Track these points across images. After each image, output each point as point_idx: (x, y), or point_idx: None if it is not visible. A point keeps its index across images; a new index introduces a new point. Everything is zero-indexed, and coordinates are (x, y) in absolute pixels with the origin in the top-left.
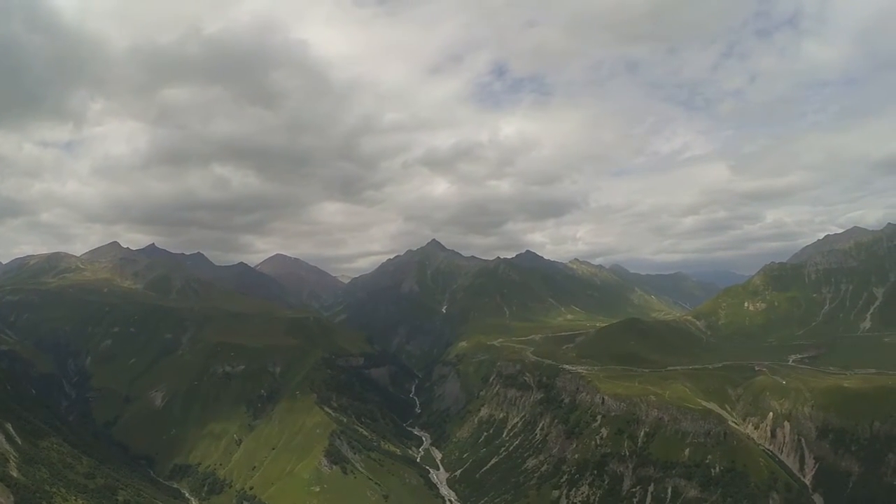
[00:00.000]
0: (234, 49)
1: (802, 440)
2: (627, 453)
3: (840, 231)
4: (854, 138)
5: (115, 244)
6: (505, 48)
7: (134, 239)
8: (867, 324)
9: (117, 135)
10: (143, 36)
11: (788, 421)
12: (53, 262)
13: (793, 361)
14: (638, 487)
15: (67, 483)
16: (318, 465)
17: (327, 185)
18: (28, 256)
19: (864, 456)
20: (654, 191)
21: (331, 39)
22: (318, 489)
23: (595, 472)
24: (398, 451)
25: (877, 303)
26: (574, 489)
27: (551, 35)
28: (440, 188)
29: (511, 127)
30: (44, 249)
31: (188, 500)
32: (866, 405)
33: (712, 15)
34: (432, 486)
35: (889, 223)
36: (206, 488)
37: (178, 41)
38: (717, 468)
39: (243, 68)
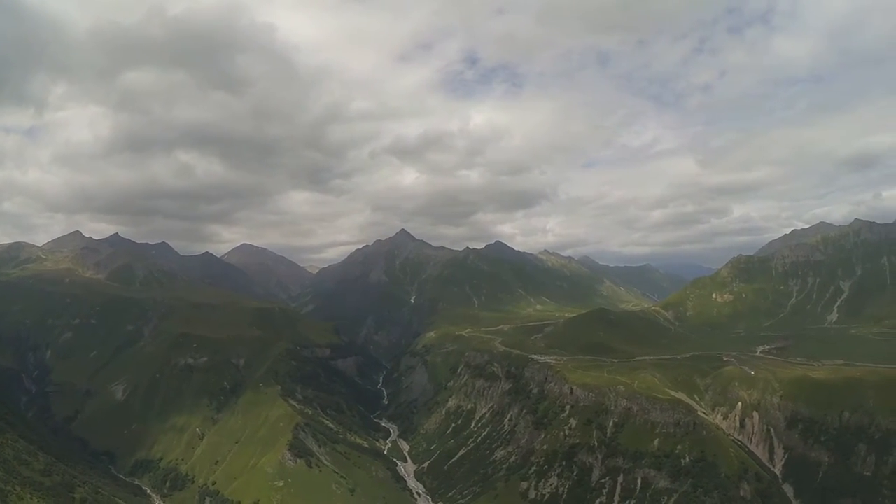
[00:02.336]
0: (198, 31)
1: (772, 430)
2: (596, 444)
3: (805, 226)
4: (822, 134)
5: (77, 233)
6: (474, 36)
7: (97, 228)
8: (834, 316)
9: (79, 120)
10: (105, 17)
11: (757, 411)
12: (14, 253)
13: (761, 352)
14: (607, 478)
15: (22, 481)
16: (282, 459)
17: (294, 174)
18: None
19: (834, 446)
20: (623, 183)
21: (298, 24)
22: (281, 483)
23: (564, 463)
24: (365, 444)
25: (843, 296)
26: (543, 480)
27: (521, 23)
28: (409, 178)
29: (481, 116)
30: (5, 240)
31: (150, 497)
32: (835, 396)
33: (683, 7)
34: (399, 479)
35: (856, 219)
36: (167, 484)
37: (141, 22)
38: (687, 458)
39: (208, 52)
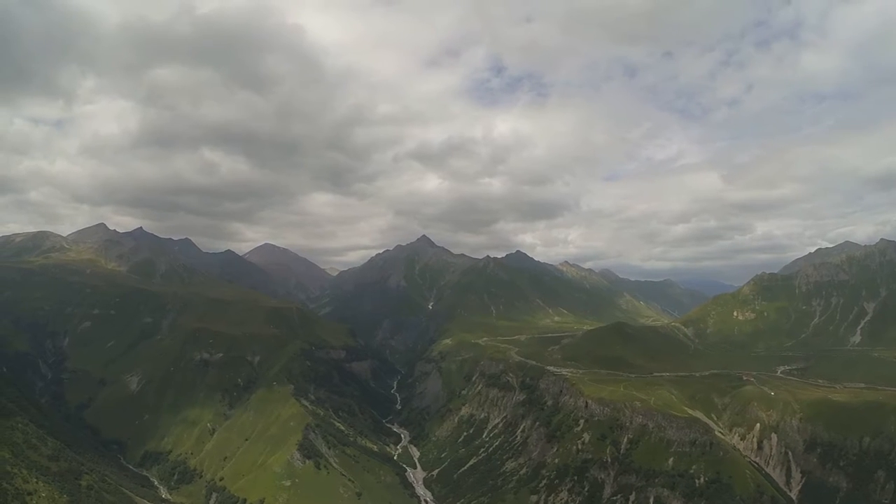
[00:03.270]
0: (226, 30)
1: (790, 453)
2: (609, 460)
3: (829, 245)
4: (847, 152)
5: (101, 226)
6: (500, 43)
7: (122, 222)
8: (857, 338)
9: (107, 114)
10: (135, 12)
11: (776, 433)
12: (38, 241)
13: (781, 372)
14: (619, 496)
15: (30, 464)
16: (291, 459)
17: (317, 176)
18: (14, 234)
19: (853, 472)
20: (645, 197)
21: (326, 26)
22: (288, 483)
23: (575, 477)
24: (375, 448)
25: (867, 317)
26: (553, 495)
27: (547, 31)
28: (431, 183)
29: (506, 125)
30: (31, 228)
31: (157, 488)
32: (856, 420)
33: (709, 19)
34: (408, 485)
35: (882, 238)
36: (175, 477)
37: (170, 20)
38: (702, 479)
39: (235, 50)
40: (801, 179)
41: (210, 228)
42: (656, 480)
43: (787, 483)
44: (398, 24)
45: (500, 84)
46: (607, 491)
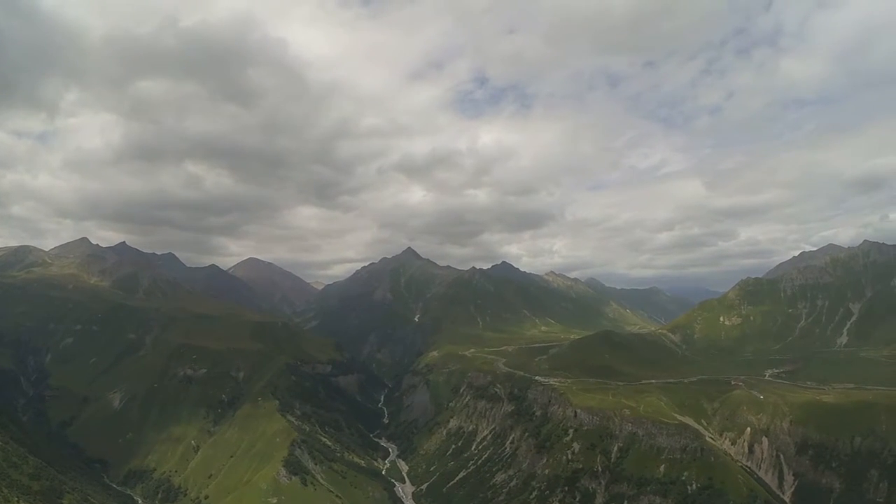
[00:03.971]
0: (210, 43)
1: (781, 456)
2: (600, 469)
3: (813, 249)
4: (829, 156)
5: (84, 240)
6: (484, 55)
7: (105, 236)
8: (844, 339)
9: (90, 127)
10: (120, 25)
11: (766, 436)
12: (21, 256)
13: (769, 376)
14: None
15: (10, 483)
16: (277, 476)
17: (302, 189)
18: None
19: (845, 472)
20: (629, 205)
21: (311, 40)
22: (275, 500)
23: (566, 488)
24: (363, 463)
25: (853, 318)
26: None
27: (531, 42)
28: (416, 196)
29: (490, 136)
30: (13, 243)
31: None
32: (846, 420)
33: (690, 28)
34: (397, 500)
35: (865, 240)
36: (159, 496)
37: (154, 32)
38: (694, 485)
39: (219, 64)
40: (783, 185)
41: (194, 243)
42: (648, 488)
43: (780, 486)
44: (382, 38)
45: (484, 95)
46: (599, 500)
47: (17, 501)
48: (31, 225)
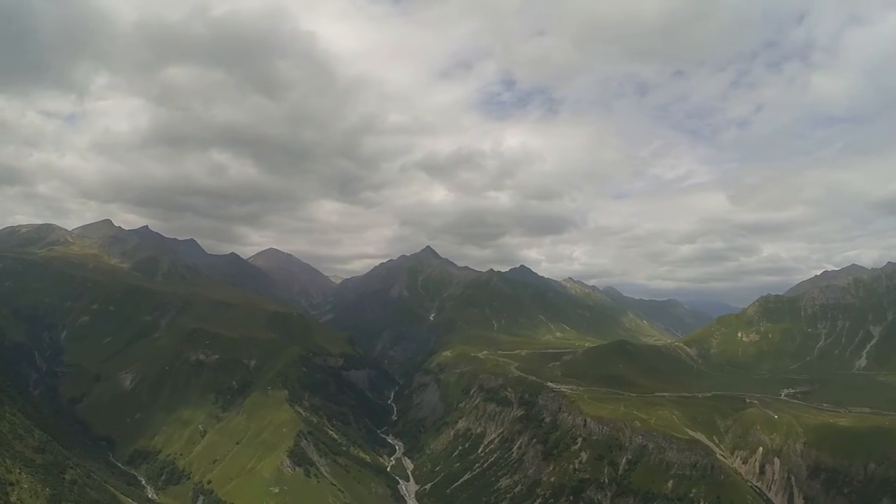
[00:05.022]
0: (239, 33)
1: (792, 478)
2: (607, 480)
3: (836, 269)
4: (856, 176)
5: (107, 222)
6: (512, 56)
7: (129, 219)
8: (863, 362)
9: (119, 111)
10: (151, 11)
11: (779, 457)
12: (43, 234)
13: (785, 395)
14: None
15: (14, 455)
16: (280, 465)
17: (325, 183)
18: (19, 226)
19: (857, 499)
20: (652, 216)
21: (340, 34)
22: (276, 490)
23: (571, 497)
24: (368, 459)
25: (873, 341)
26: None
27: (559, 45)
28: (438, 195)
29: (515, 139)
30: (38, 221)
31: (143, 487)
32: (861, 445)
33: (722, 38)
34: (399, 498)
35: (889, 262)
36: (163, 477)
37: (185, 20)
38: (702, 503)
39: (248, 54)
40: (808, 202)
41: (216, 230)
42: (655, 503)
43: None
44: (412, 36)
45: (511, 98)
46: None
47: (20, 473)
48: (55, 204)
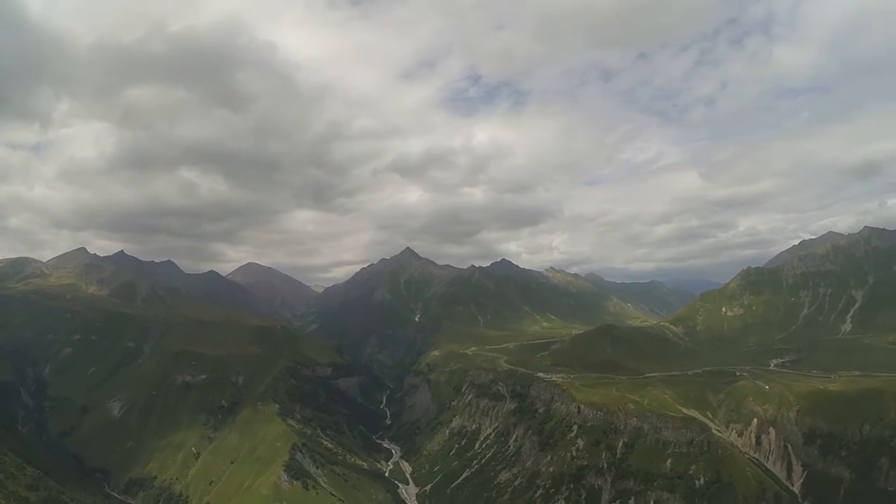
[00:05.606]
0: (199, 48)
1: (789, 447)
2: (605, 465)
3: (813, 237)
4: (824, 144)
5: (82, 250)
6: (474, 52)
7: (103, 245)
8: (848, 326)
9: (84, 137)
10: (107, 33)
11: (773, 427)
12: (18, 267)
13: (774, 366)
14: (617, 502)
15: (8, 494)
16: (277, 481)
17: (298, 193)
18: None
19: (855, 461)
20: (626, 200)
21: (300, 42)
22: None
23: (571, 485)
24: (365, 465)
25: (856, 305)
26: None
27: (520, 38)
28: (413, 196)
29: (485, 134)
30: (12, 255)
31: None
32: (854, 408)
33: (683, 19)
34: (400, 502)
35: (865, 226)
36: (160, 503)
37: (143, 39)
38: (702, 479)
39: (209, 68)
40: (780, 174)
41: (192, 250)
42: (655, 483)
43: (789, 477)
44: (373, 39)
45: (478, 93)
46: (605, 497)
47: None
48: (28, 237)
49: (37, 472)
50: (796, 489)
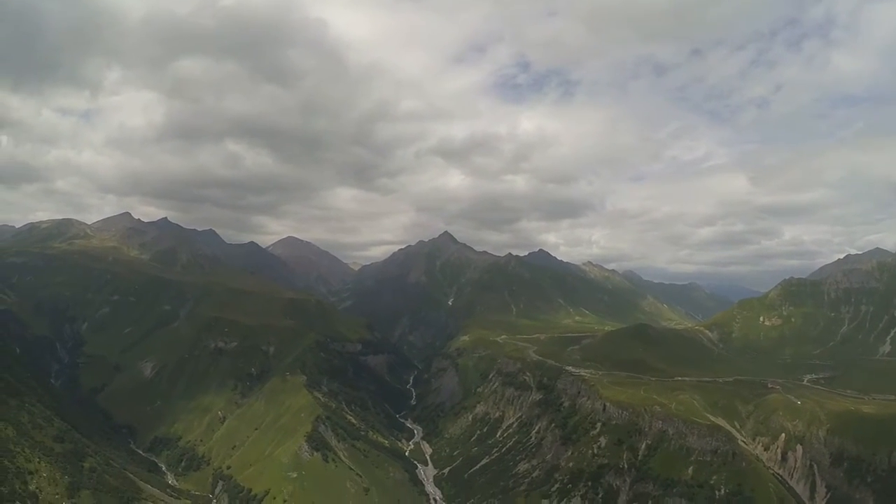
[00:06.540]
0: (249, 23)
1: (815, 466)
2: (626, 466)
3: (858, 252)
4: (878, 158)
5: (126, 215)
6: (524, 38)
7: (148, 212)
8: (887, 347)
9: (132, 105)
10: (159, 5)
11: (801, 444)
12: (63, 228)
13: (808, 381)
14: None
15: (33, 444)
16: (298, 451)
17: (341, 171)
18: (40, 222)
19: (881, 488)
20: (671, 198)
21: (351, 21)
22: (295, 475)
23: (589, 483)
24: (386, 443)
25: None
26: (565, 500)
27: (571, 27)
28: (454, 180)
29: (531, 122)
30: (58, 217)
31: (164, 473)
32: (885, 433)
33: (739, 16)
34: (417, 483)
35: None
36: (183, 463)
37: (193, 12)
38: (723, 490)
39: (258, 44)
40: (830, 184)
41: (235, 221)
42: (674, 490)
43: (812, 497)
44: (423, 21)
45: (527, 80)
46: (623, 499)
47: (39, 462)
48: (75, 199)
49: (65, 424)
50: None
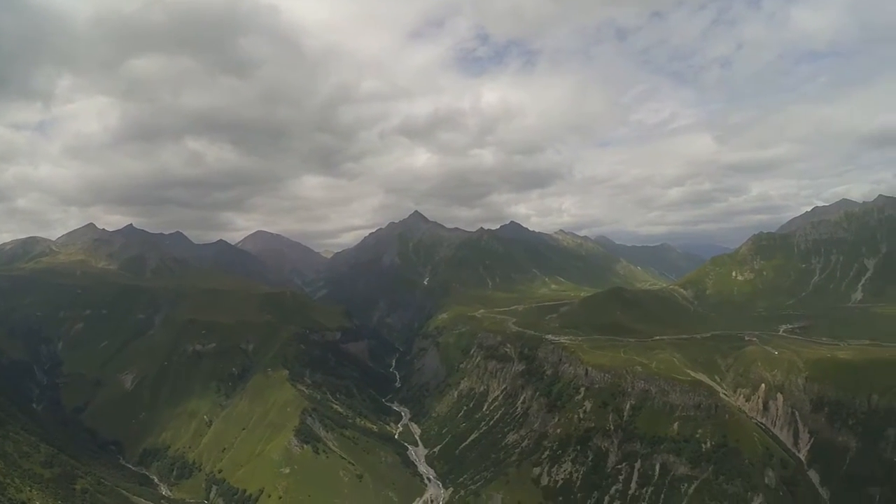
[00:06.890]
0: (200, 14)
1: (796, 413)
2: (612, 428)
3: (826, 204)
4: (842, 111)
5: (90, 226)
6: (483, 10)
7: (112, 220)
8: (858, 295)
9: (87, 112)
10: (106, 5)
11: (781, 393)
12: (28, 247)
13: (783, 332)
14: (624, 464)
15: (23, 473)
16: (288, 445)
17: (306, 159)
18: (3, 244)
19: (862, 430)
20: (638, 162)
21: (304, 4)
22: (287, 470)
23: (578, 447)
24: (375, 428)
25: (868, 274)
26: (556, 466)
27: None
28: (421, 159)
29: (494, 94)
30: (23, 236)
31: (156, 485)
32: (863, 377)
33: None
34: (410, 464)
35: (880, 195)
36: (174, 472)
37: (142, 9)
38: (708, 443)
39: (211, 35)
40: (795, 139)
41: (201, 220)
42: (661, 447)
43: (796, 444)
44: None
45: (487, 52)
46: (612, 459)
47: (31, 490)
48: (37, 216)
49: (51, 448)
50: (802, 455)
